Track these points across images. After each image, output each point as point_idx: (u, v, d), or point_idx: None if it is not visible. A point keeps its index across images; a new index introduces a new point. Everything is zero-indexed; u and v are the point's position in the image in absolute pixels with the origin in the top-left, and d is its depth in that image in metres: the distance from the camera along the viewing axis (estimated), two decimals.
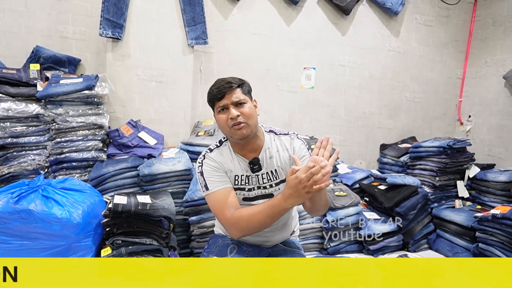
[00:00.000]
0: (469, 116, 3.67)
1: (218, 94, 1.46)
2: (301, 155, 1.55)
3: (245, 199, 1.59)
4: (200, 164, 1.55)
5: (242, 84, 1.50)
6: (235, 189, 1.57)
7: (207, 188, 1.51)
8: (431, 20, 3.58)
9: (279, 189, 1.58)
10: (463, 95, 3.76)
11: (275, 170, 1.57)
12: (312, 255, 2.26)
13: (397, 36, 3.51)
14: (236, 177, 1.57)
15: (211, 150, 1.59)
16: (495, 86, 3.41)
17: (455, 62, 3.73)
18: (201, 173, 1.53)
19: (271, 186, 1.58)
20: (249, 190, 1.58)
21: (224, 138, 1.63)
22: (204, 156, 1.58)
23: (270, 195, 1.57)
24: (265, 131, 1.62)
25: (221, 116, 1.48)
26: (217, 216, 1.53)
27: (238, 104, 1.46)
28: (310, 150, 1.60)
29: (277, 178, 1.57)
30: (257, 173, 1.56)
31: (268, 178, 1.57)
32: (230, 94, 1.45)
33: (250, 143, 1.54)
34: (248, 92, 1.53)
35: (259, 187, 1.58)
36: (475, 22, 3.64)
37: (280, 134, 1.62)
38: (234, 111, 1.44)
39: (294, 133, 1.62)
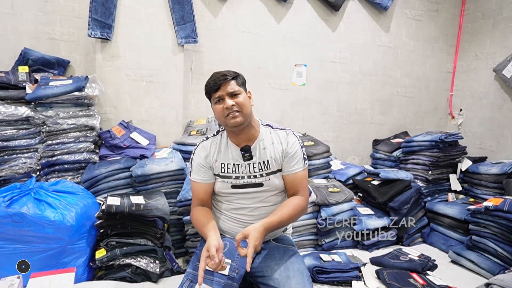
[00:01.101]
0: (460, 110, 3.70)
1: (214, 86, 1.55)
2: (293, 151, 1.64)
3: (233, 186, 1.66)
4: (193, 153, 1.70)
5: (236, 76, 1.59)
6: (222, 177, 1.65)
7: (190, 175, 1.71)
8: (421, 15, 3.59)
9: (269, 179, 1.64)
10: (454, 89, 3.79)
11: (267, 160, 1.63)
12: (307, 252, 2.27)
13: (387, 32, 3.52)
14: (223, 165, 1.65)
15: (207, 139, 1.72)
16: (485, 79, 3.44)
17: (446, 56, 3.76)
18: (191, 161, 1.70)
19: (261, 175, 1.64)
20: (237, 178, 1.64)
21: (221, 128, 1.72)
22: (198, 145, 1.71)
23: (260, 185, 1.64)
24: (262, 124, 1.70)
25: (217, 106, 1.57)
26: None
27: (233, 95, 1.55)
28: (303, 148, 1.68)
29: (268, 168, 1.64)
30: (248, 162, 1.63)
31: (260, 168, 1.63)
32: (225, 86, 1.54)
33: (244, 132, 1.61)
34: (243, 83, 1.62)
35: (249, 176, 1.64)
36: (465, 15, 3.66)
37: (276, 128, 1.70)
38: (229, 101, 1.53)
39: (290, 129, 1.71)
